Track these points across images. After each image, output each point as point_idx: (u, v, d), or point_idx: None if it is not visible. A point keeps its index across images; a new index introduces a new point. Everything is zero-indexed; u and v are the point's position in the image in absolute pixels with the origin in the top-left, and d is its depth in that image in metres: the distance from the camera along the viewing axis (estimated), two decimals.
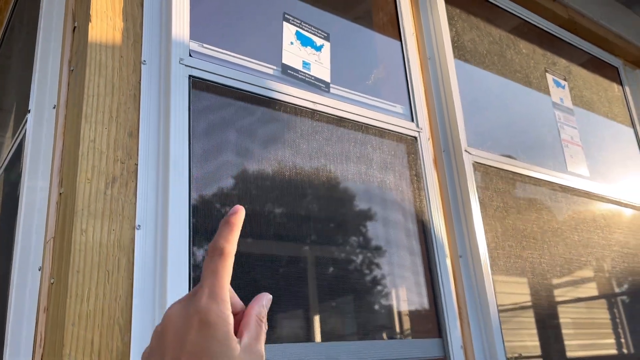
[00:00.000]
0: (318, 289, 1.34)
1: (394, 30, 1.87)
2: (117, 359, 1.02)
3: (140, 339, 1.05)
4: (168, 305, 1.07)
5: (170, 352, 0.40)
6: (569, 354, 1.93)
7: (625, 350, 2.14)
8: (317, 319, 1.33)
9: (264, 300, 0.49)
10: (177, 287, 1.10)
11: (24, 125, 1.42)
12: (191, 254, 1.14)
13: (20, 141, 1.48)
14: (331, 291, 1.36)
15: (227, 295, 0.43)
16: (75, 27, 1.33)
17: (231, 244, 0.44)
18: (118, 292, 1.06)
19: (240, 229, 0.45)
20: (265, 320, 0.47)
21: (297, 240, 1.34)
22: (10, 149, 1.63)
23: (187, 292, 1.11)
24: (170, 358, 0.40)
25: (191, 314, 0.41)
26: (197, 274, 1.14)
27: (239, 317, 0.46)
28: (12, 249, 1.27)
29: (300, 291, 1.31)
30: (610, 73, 2.73)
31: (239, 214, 0.46)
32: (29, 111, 1.35)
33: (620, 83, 2.75)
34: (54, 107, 1.33)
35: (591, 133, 2.42)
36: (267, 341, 1.22)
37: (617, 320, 2.22)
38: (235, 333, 0.43)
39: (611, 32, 2.73)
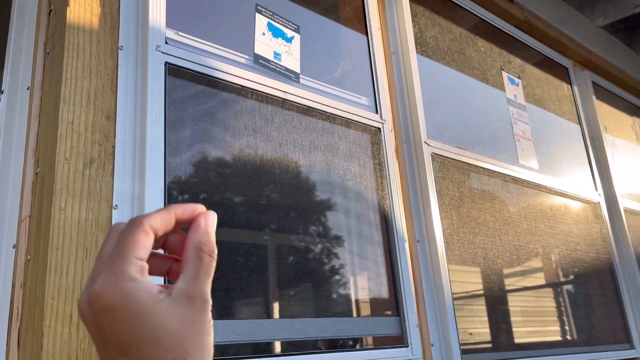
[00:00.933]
0: (287, 271, 1.42)
1: (361, 24, 1.95)
2: None
3: None
4: None
5: (101, 347, 0.37)
6: (517, 339, 2.07)
7: (568, 337, 2.31)
8: (286, 299, 1.41)
9: (204, 222, 0.41)
10: None
11: None
12: None
13: None
14: (299, 273, 1.44)
15: (128, 262, 0.37)
16: (51, 10, 1.35)
17: (152, 219, 0.38)
18: None
19: (182, 225, 0.41)
20: (209, 248, 0.40)
21: (266, 224, 1.41)
22: None
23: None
24: (105, 353, 0.37)
25: (92, 303, 0.36)
26: None
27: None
28: None
29: (272, 273, 1.38)
30: (561, 73, 2.89)
31: (191, 209, 0.41)
32: (2, 92, 1.36)
33: (570, 83, 2.91)
34: (28, 89, 1.35)
35: (541, 129, 2.57)
36: (235, 317, 1.29)
37: (562, 306, 2.39)
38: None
39: (563, 34, 2.89)
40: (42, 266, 1.08)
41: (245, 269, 1.33)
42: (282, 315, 1.38)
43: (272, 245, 1.42)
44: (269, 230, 1.41)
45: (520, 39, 2.67)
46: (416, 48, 2.06)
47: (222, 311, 1.26)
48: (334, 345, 1.44)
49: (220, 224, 1.30)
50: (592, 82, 3.06)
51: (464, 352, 1.71)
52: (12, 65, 1.37)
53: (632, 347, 2.46)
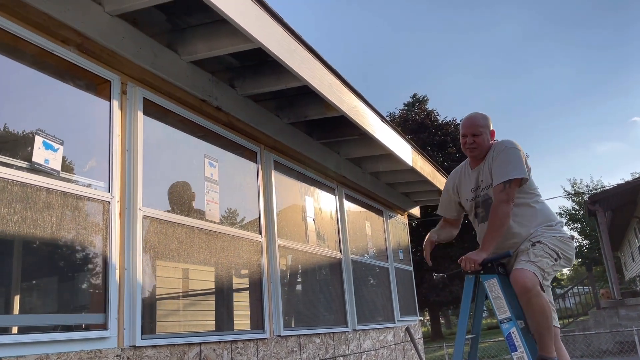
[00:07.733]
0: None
1: (106, 133, 3.15)
2: None
3: None
4: None
5: None
6: (184, 326, 3.52)
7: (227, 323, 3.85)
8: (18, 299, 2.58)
9: None
10: None
11: None
12: None
13: None
14: (37, 273, 2.62)
15: None
16: None
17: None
18: None
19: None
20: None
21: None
22: None
23: None
24: None
25: None
26: None
27: None
28: None
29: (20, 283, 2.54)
30: (251, 155, 4.47)
31: None
32: None
33: (257, 162, 4.51)
34: None
35: (229, 194, 4.09)
36: None
37: (227, 302, 3.92)
38: None
39: (257, 129, 4.45)
40: None
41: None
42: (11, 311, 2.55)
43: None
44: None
45: (223, 135, 4.14)
46: (144, 147, 3.34)
47: None
48: (63, 328, 2.67)
49: None
50: (274, 160, 4.73)
51: (144, 332, 3.07)
52: None
53: (263, 331, 4.13)
